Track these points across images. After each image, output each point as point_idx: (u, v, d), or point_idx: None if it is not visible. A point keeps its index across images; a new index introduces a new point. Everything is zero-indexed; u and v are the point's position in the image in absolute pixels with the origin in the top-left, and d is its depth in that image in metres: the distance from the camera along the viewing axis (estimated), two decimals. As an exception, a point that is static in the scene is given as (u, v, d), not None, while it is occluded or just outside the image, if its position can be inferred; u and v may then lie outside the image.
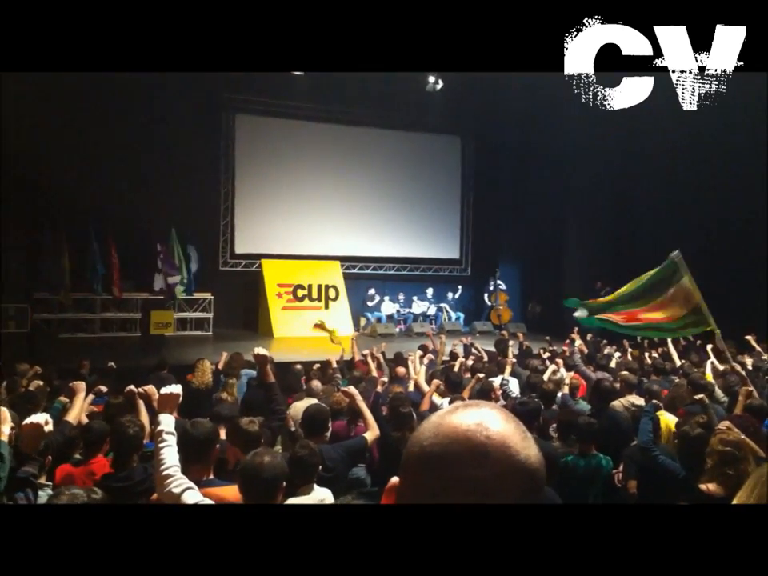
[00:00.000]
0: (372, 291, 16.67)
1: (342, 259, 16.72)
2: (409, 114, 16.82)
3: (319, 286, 15.79)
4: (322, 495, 3.56)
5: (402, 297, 17.08)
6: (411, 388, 6.56)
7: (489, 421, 0.85)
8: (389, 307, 16.89)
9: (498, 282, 17.58)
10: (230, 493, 3.05)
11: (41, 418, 2.98)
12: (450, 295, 17.58)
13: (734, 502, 2.02)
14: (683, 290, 6.26)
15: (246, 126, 16.25)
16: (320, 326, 13.89)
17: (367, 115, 16.83)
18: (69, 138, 12.87)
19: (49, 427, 2.99)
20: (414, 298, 17.16)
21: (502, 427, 0.85)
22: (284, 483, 2.91)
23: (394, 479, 0.92)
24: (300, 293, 15.59)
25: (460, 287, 17.87)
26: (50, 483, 3.33)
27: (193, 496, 2.66)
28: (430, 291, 17.45)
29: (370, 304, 16.52)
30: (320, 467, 3.72)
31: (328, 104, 16.07)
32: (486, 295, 17.76)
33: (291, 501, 3.40)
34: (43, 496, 2.96)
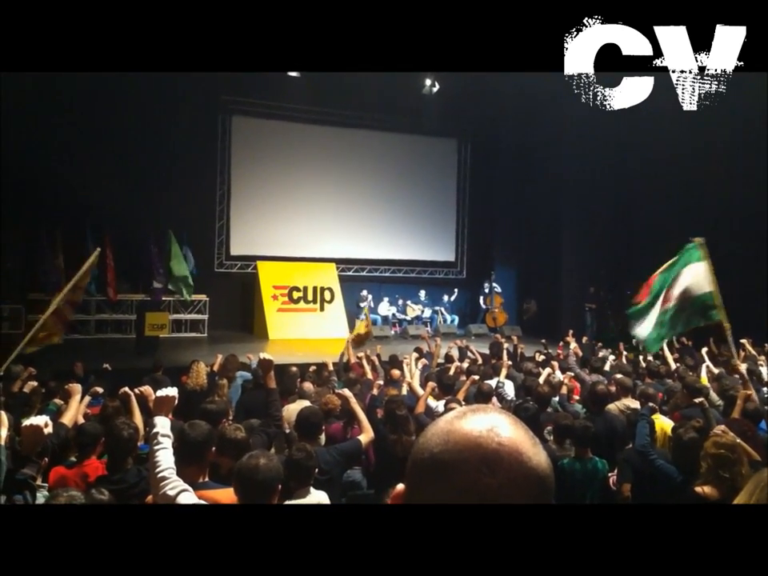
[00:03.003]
0: (364, 292, 16.63)
1: (338, 261, 16.70)
2: (405, 116, 16.83)
3: (314, 288, 15.76)
4: (318, 498, 3.56)
5: (400, 301, 17.07)
6: (405, 391, 6.56)
7: (500, 426, 0.83)
8: (386, 308, 16.88)
9: (494, 284, 17.58)
10: (225, 495, 3.04)
11: (40, 420, 2.96)
12: (445, 298, 17.58)
13: (731, 505, 2.02)
14: (696, 273, 6.18)
15: (242, 128, 16.24)
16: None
17: (364, 118, 16.85)
18: (66, 139, 12.85)
19: (48, 429, 2.97)
20: (409, 302, 17.16)
21: (513, 433, 0.83)
22: (279, 485, 2.90)
23: (400, 486, 0.90)
24: (295, 295, 15.56)
25: (456, 290, 17.89)
26: (46, 485, 3.32)
27: (188, 498, 2.65)
28: (422, 293, 17.46)
29: (362, 305, 16.49)
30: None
31: (325, 106, 16.09)
32: (481, 298, 17.76)
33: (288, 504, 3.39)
34: (40, 497, 2.94)
